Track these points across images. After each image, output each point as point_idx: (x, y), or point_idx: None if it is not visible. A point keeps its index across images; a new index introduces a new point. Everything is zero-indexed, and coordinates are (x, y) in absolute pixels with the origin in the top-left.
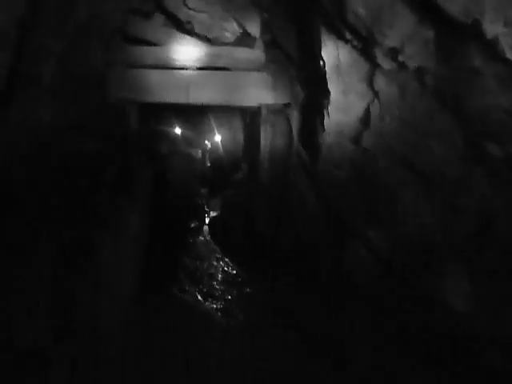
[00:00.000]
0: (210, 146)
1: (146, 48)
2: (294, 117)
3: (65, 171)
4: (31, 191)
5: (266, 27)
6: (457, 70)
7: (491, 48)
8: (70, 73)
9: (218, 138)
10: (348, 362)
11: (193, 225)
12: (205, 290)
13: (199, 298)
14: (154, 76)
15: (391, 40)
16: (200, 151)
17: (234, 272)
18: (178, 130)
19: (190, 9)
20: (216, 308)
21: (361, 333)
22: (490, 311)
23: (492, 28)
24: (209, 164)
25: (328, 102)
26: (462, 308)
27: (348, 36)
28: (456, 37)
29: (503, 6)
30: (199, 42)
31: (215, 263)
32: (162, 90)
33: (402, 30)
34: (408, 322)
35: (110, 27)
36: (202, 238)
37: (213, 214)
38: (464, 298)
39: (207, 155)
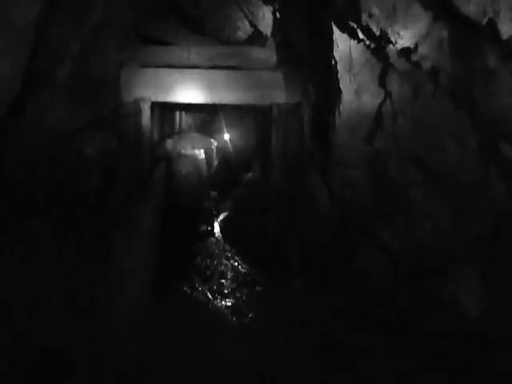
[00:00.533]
0: (221, 145)
1: (159, 48)
2: (306, 116)
3: (80, 172)
4: (47, 192)
5: (278, 26)
6: (471, 70)
7: (506, 48)
8: (85, 73)
9: (229, 137)
10: (357, 362)
11: (202, 228)
12: (215, 289)
13: (210, 296)
14: (167, 75)
15: (405, 40)
16: (210, 151)
17: (245, 271)
18: (190, 130)
19: (202, 8)
20: (226, 306)
21: (372, 333)
22: (502, 315)
23: (507, 28)
24: (219, 164)
25: (340, 102)
26: (473, 311)
27: (361, 36)
28: (471, 36)
29: None
30: (212, 42)
31: (226, 262)
32: (175, 89)
33: (415, 30)
34: (420, 324)
35: (125, 27)
36: (213, 239)
37: (223, 215)
38: (476, 301)
39: (218, 155)
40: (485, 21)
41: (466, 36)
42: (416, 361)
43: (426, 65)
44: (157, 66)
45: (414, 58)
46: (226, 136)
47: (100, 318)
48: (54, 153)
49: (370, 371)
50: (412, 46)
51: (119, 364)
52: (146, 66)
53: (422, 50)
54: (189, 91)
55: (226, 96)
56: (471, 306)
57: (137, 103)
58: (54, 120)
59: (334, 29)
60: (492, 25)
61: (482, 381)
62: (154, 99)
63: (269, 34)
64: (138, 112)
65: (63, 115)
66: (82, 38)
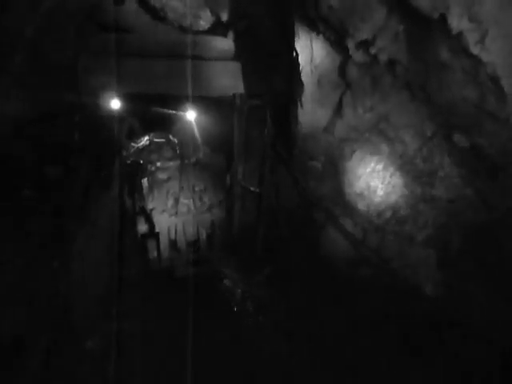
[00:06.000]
0: (181, 138)
1: (118, 35)
2: (269, 107)
3: (37, 162)
4: (2, 182)
5: (240, 16)
6: (426, 63)
7: (457, 42)
8: (41, 60)
9: (190, 129)
10: (322, 347)
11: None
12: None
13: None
14: (127, 64)
15: (363, 32)
16: (171, 143)
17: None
18: (147, 120)
19: None
20: (192, 297)
21: (336, 318)
22: (456, 297)
23: (457, 23)
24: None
25: (302, 93)
26: (431, 293)
27: (321, 28)
28: (424, 31)
29: (468, 2)
30: (172, 30)
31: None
32: (134, 79)
33: (373, 23)
34: (381, 305)
35: (82, 12)
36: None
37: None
38: (434, 285)
39: (178, 148)
40: (436, 15)
41: (420, 30)
42: (377, 343)
43: (384, 57)
44: (116, 54)
45: (372, 50)
46: (190, 128)
47: (56, 308)
48: (9, 143)
49: (334, 356)
50: (370, 39)
51: (74, 355)
52: (105, 53)
53: (379, 42)
54: (148, 81)
55: (186, 87)
56: (428, 289)
57: (95, 92)
58: (9, 109)
59: (296, 21)
60: (443, 20)
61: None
62: (112, 88)
63: (231, 23)
64: (97, 101)
65: (18, 105)
66: (36, 24)
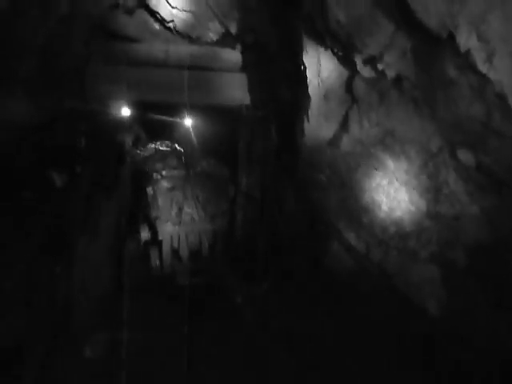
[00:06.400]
0: (186, 147)
1: (127, 44)
2: (275, 119)
3: (41, 168)
4: (8, 186)
5: (249, 28)
6: (433, 79)
7: (465, 60)
8: (50, 67)
9: (196, 139)
10: (323, 361)
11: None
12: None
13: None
14: (135, 74)
15: (371, 48)
16: (177, 152)
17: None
18: (153, 129)
19: (172, 7)
20: (193, 307)
21: (336, 332)
22: (460, 314)
23: (465, 42)
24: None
25: (308, 106)
26: (434, 310)
27: (329, 43)
28: (432, 48)
29: (476, 21)
30: (181, 41)
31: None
32: (143, 88)
33: (380, 39)
34: (384, 322)
35: (92, 22)
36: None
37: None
38: (437, 301)
39: (182, 157)
40: (445, 34)
41: (428, 47)
42: (378, 358)
43: (391, 73)
44: (124, 63)
45: (380, 66)
46: (196, 139)
47: (56, 316)
48: (16, 148)
49: (337, 370)
50: (377, 55)
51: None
52: (113, 62)
53: (386, 58)
54: (156, 91)
55: (194, 97)
56: (432, 305)
57: (102, 100)
58: (16, 114)
59: (304, 35)
60: (451, 38)
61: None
62: (119, 97)
63: (239, 35)
64: (104, 109)
65: (25, 110)
66: (48, 32)
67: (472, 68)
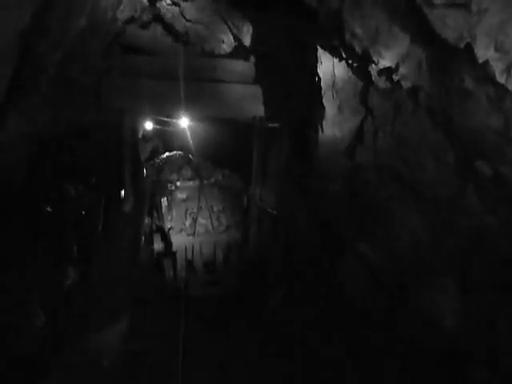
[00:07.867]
0: (200, 158)
1: (142, 57)
2: (288, 130)
3: (60, 178)
4: (28, 196)
5: (262, 40)
6: (449, 90)
7: (482, 71)
8: (68, 80)
9: (210, 150)
10: (333, 376)
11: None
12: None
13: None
14: (150, 86)
15: (387, 60)
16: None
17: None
18: (168, 141)
19: (187, 20)
20: (205, 319)
21: (347, 347)
22: (479, 328)
23: (483, 52)
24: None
25: (322, 117)
26: (450, 324)
27: (344, 54)
28: (449, 58)
29: (494, 31)
30: (195, 53)
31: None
32: (158, 100)
33: (396, 51)
34: (397, 336)
35: (109, 36)
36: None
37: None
38: (453, 314)
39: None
40: (462, 45)
41: (444, 58)
42: (391, 373)
43: (407, 84)
44: (140, 76)
45: (395, 77)
46: (209, 149)
47: (76, 330)
48: (35, 159)
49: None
50: (393, 66)
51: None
52: (128, 74)
53: (402, 69)
54: (170, 103)
55: (208, 109)
56: (448, 319)
57: (118, 112)
58: (36, 125)
59: (318, 47)
60: (469, 49)
61: None
62: (135, 109)
63: (253, 47)
64: (120, 122)
65: (45, 121)
66: (66, 46)
67: (490, 79)
